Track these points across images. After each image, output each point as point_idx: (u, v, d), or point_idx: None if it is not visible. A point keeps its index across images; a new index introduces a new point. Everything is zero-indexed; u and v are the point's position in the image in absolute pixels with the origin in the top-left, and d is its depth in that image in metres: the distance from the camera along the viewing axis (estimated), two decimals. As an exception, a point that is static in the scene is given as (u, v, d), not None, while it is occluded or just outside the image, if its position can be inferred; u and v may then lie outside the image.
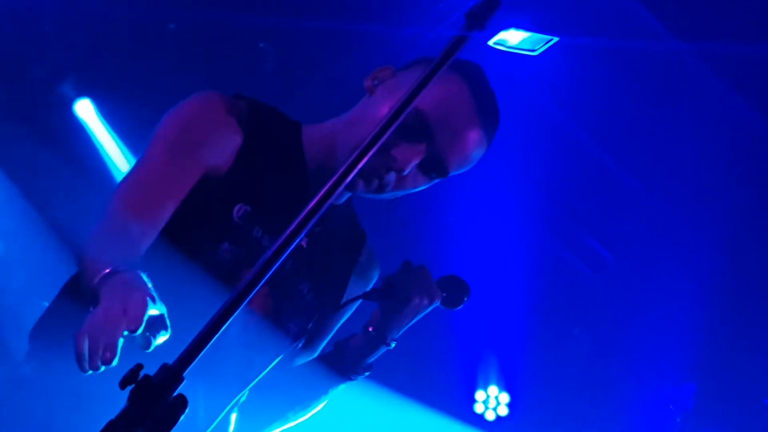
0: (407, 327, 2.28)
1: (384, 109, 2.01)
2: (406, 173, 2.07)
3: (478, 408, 7.41)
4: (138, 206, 1.98)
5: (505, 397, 7.40)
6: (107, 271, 1.75)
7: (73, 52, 6.25)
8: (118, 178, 6.03)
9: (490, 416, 7.38)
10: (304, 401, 2.38)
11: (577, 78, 5.46)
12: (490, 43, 5.19)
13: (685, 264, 6.16)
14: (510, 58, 5.21)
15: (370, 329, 2.29)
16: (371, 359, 2.33)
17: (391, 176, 2.07)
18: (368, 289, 2.40)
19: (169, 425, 1.40)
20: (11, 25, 5.97)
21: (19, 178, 6.39)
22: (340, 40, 5.61)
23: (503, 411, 7.38)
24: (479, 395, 7.42)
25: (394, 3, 5.30)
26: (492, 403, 7.39)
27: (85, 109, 6.60)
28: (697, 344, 6.26)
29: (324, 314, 2.31)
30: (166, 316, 1.70)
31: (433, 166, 2.10)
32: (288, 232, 1.54)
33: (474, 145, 2.10)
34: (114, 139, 6.58)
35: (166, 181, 2.02)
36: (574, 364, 6.99)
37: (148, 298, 1.66)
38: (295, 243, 1.54)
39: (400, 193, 2.14)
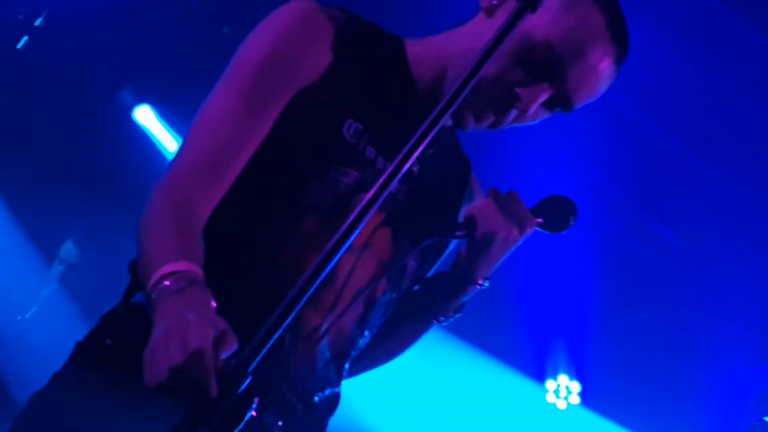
0: (500, 262, 2.01)
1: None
2: (529, 113, 1.86)
3: (549, 397, 7.36)
4: (215, 151, 1.77)
5: (576, 386, 7.33)
6: (164, 272, 1.53)
7: (130, 60, 6.34)
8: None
9: (561, 405, 7.33)
10: (391, 346, 2.14)
11: (639, 61, 5.39)
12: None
13: (754, 246, 6.07)
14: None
15: (458, 267, 2.02)
16: (461, 299, 2.06)
17: (512, 114, 1.87)
18: None
19: (235, 423, 1.39)
20: (68, 38, 6.07)
21: (84, 187, 6.49)
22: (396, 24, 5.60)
23: (574, 400, 7.32)
24: (550, 385, 7.37)
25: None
26: (563, 392, 7.34)
27: (144, 115, 6.68)
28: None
29: (432, 248, 2.04)
30: (228, 329, 1.46)
31: (559, 101, 1.88)
32: (401, 156, 1.41)
33: (606, 78, 1.89)
34: (177, 141, 6.66)
35: (249, 115, 1.80)
36: (644, 350, 6.92)
37: (209, 321, 1.44)
38: (406, 168, 1.42)
39: (506, 126, 1.94)
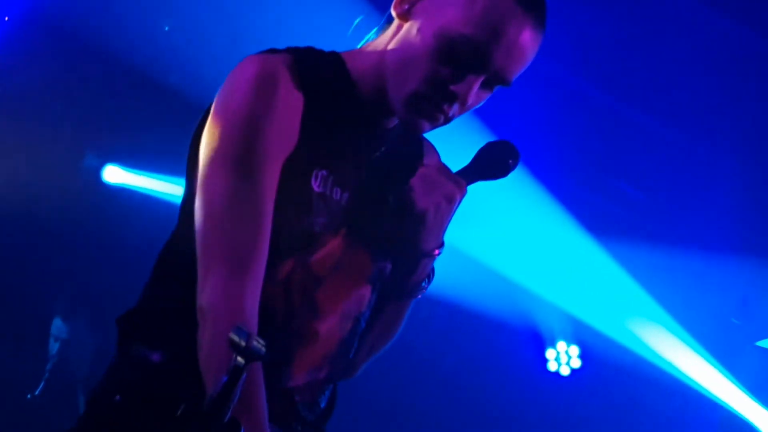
0: (444, 230, 2.02)
1: (430, 36, 1.86)
2: (470, 102, 1.92)
3: (552, 366, 7.52)
4: (250, 245, 1.80)
5: (575, 350, 7.50)
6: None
7: (85, 125, 6.48)
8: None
9: (564, 371, 7.50)
10: (379, 334, 2.15)
11: (565, 28, 5.56)
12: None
13: (709, 183, 6.27)
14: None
15: (407, 246, 2.02)
16: (425, 271, 2.07)
17: (455, 108, 1.92)
18: None
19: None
20: (21, 114, 6.18)
21: (65, 260, 6.58)
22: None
23: (576, 363, 7.49)
24: (550, 353, 7.53)
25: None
26: (564, 359, 7.50)
27: (114, 174, 6.86)
28: (737, 256, 6.39)
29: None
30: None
31: (495, 80, 1.92)
32: None
33: (531, 45, 1.90)
34: (159, 180, 6.83)
35: (260, 194, 1.83)
36: (626, 301, 7.11)
37: None
38: None
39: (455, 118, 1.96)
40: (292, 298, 1.90)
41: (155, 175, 6.84)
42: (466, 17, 1.86)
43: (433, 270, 2.11)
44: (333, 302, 1.96)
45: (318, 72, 1.96)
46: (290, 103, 1.88)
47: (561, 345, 7.51)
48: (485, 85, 1.92)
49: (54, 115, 6.32)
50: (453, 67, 1.87)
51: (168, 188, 6.74)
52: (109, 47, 6.09)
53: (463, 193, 1.99)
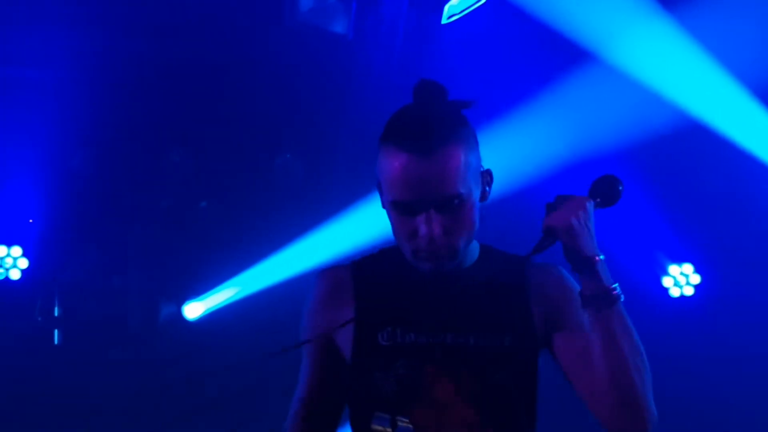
0: (593, 237, 2.20)
1: (387, 211, 2.26)
2: (423, 234, 2.19)
3: (666, 281, 7.38)
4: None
5: (696, 278, 7.34)
6: None
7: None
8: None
9: (675, 292, 7.35)
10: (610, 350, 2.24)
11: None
12: (444, 21, 5.34)
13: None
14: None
15: (573, 264, 2.23)
16: (603, 278, 2.19)
17: (436, 244, 2.18)
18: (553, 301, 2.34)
19: None
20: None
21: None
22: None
23: (689, 291, 7.34)
24: (672, 269, 7.38)
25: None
26: (681, 281, 7.36)
27: (194, 310, 7.03)
28: None
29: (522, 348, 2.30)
30: None
31: (439, 204, 2.18)
32: None
33: (417, 169, 2.16)
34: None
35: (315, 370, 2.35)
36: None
37: None
38: None
39: (458, 241, 2.21)
40: None
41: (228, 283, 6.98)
42: (384, 184, 2.22)
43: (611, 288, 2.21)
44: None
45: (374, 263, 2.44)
46: (334, 306, 2.38)
47: (673, 269, 7.38)
48: (443, 210, 2.18)
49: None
50: (407, 222, 2.19)
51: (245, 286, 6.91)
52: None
53: (591, 203, 2.23)
